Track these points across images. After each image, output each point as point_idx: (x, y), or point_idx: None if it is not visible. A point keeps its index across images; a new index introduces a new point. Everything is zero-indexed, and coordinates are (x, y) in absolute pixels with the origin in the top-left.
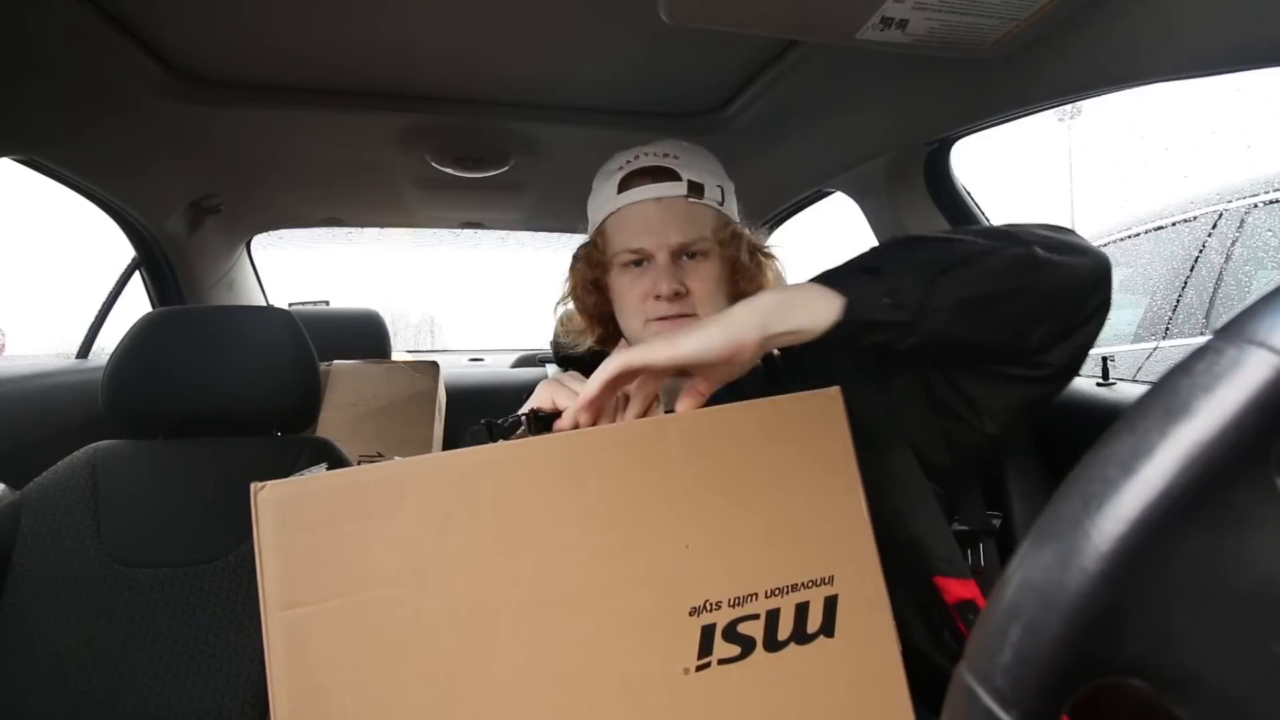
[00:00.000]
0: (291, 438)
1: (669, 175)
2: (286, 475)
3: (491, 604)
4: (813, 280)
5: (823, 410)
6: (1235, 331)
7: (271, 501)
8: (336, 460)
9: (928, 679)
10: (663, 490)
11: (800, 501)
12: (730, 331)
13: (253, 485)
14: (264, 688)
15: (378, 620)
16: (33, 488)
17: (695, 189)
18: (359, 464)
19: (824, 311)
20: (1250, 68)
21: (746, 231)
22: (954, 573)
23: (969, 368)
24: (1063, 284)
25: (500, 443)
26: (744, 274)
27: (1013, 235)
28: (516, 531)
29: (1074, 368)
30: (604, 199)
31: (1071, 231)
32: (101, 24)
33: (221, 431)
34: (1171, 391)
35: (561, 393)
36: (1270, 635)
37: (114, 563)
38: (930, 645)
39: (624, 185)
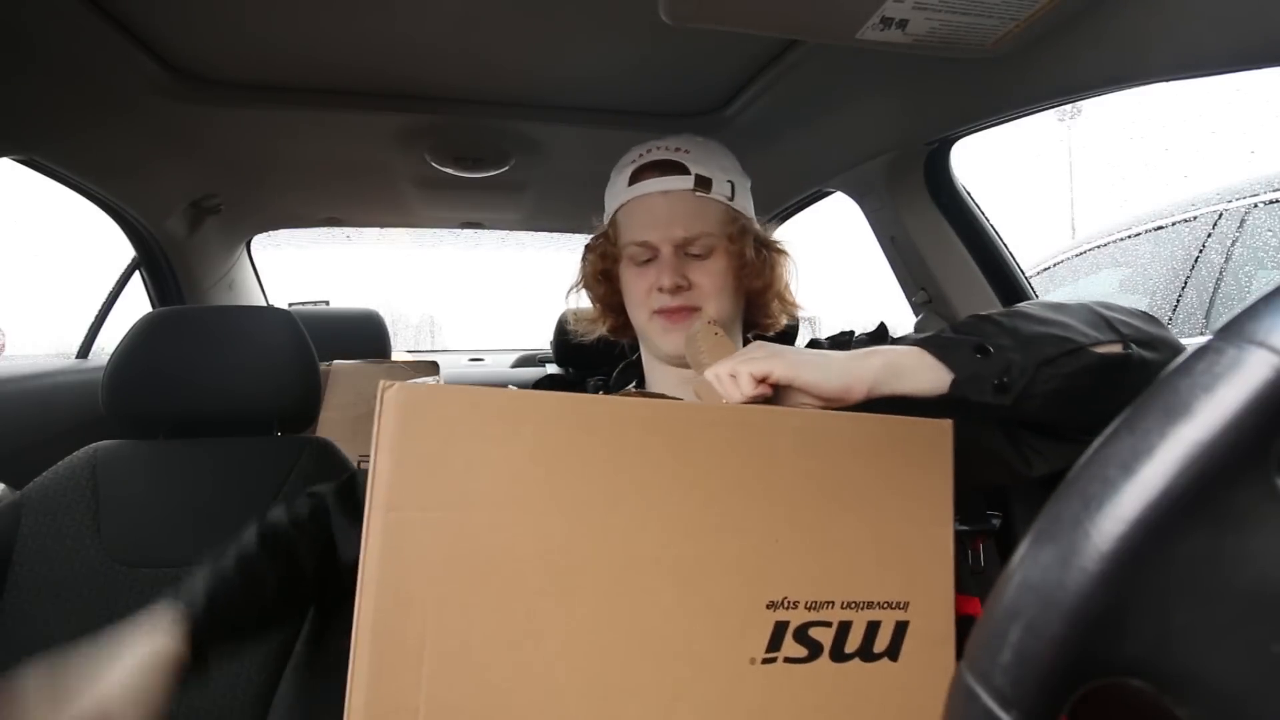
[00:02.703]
0: (291, 438)
1: (677, 169)
2: (286, 476)
3: (583, 551)
4: (922, 345)
5: (931, 440)
6: (1235, 331)
7: (397, 402)
8: (336, 461)
9: None
10: (765, 481)
11: (891, 523)
12: (846, 380)
13: (382, 383)
14: (264, 688)
15: (473, 540)
16: (33, 488)
17: (702, 183)
18: (359, 464)
19: (931, 383)
20: (1250, 68)
21: (757, 227)
22: (959, 589)
23: (1047, 434)
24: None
25: (621, 397)
26: (751, 269)
27: (1111, 324)
28: (620, 486)
29: None
30: (616, 191)
31: (1157, 322)
32: (101, 24)
33: (221, 431)
34: (1171, 391)
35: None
36: (1270, 635)
37: (114, 563)
38: None
39: (634, 178)
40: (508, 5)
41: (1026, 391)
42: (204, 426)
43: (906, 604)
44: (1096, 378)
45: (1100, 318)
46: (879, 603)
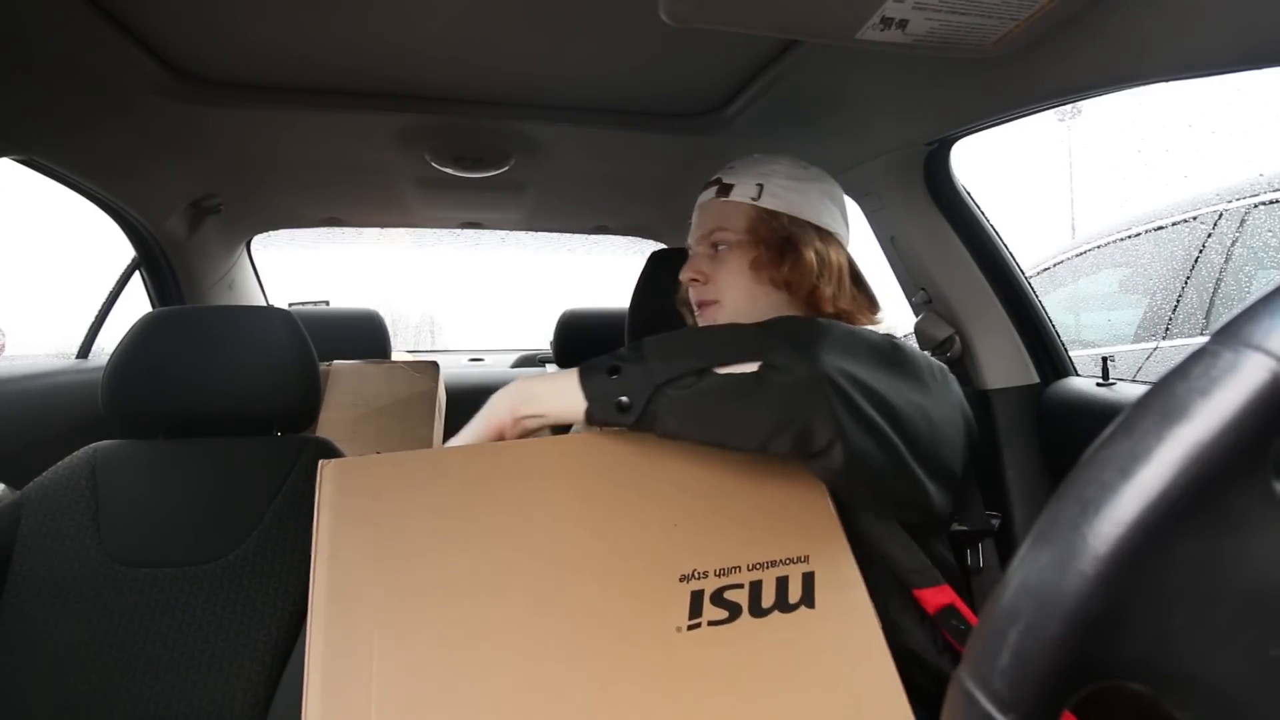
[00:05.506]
0: (291, 438)
1: (713, 183)
2: (286, 476)
3: (506, 562)
4: (579, 368)
5: None
6: (1232, 335)
7: (333, 475)
8: None
9: (926, 681)
10: (654, 478)
11: (773, 493)
12: (488, 420)
13: (320, 461)
14: (264, 687)
15: (408, 567)
16: (33, 488)
17: (724, 189)
18: None
19: (571, 404)
20: (1250, 68)
21: (788, 225)
22: (927, 582)
23: None
24: (786, 395)
25: (517, 440)
26: (774, 264)
27: (754, 344)
28: (530, 506)
29: (865, 456)
30: None
31: (809, 342)
32: (101, 24)
33: (221, 431)
34: (1168, 395)
35: None
36: (1269, 637)
37: (114, 563)
38: (928, 648)
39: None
40: (508, 6)
41: (648, 410)
42: (204, 426)
43: (807, 556)
44: (721, 396)
45: (749, 338)
46: (781, 560)
